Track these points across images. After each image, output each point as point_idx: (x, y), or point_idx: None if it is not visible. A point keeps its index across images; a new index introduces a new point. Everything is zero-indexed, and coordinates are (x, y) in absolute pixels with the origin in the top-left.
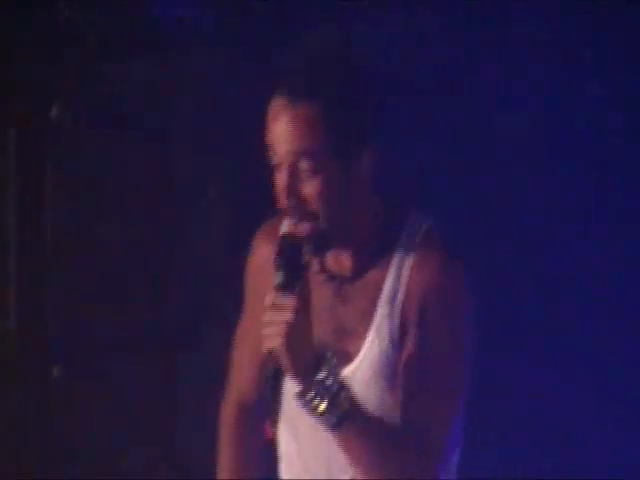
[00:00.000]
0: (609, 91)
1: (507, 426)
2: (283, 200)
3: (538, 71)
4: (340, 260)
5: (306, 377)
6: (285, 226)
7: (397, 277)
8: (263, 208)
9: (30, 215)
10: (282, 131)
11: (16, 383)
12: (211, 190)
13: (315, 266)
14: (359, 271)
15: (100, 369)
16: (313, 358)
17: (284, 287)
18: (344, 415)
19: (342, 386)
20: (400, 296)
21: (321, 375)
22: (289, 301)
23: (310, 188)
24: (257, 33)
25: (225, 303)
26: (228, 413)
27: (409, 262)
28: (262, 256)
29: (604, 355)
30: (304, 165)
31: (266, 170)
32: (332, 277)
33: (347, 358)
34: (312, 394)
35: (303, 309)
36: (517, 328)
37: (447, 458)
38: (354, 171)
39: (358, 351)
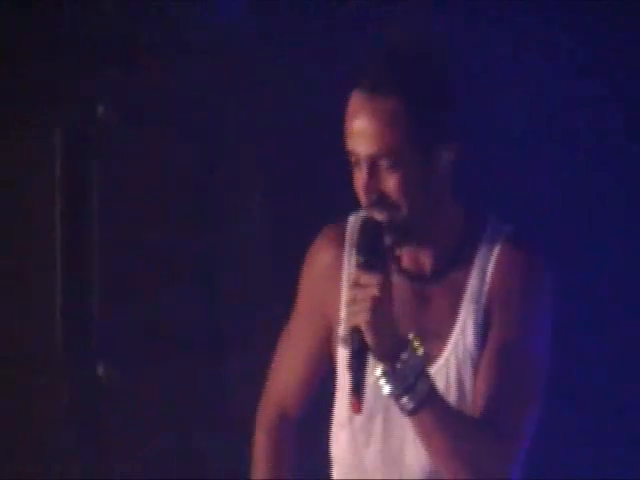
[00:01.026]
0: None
1: None
2: (364, 196)
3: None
4: (419, 261)
5: (390, 357)
6: (353, 223)
7: (481, 276)
8: (312, 209)
9: (77, 216)
10: (362, 129)
11: (62, 382)
12: (259, 189)
13: (394, 267)
14: (440, 272)
15: (146, 368)
16: (397, 338)
17: (367, 267)
18: (422, 401)
19: (423, 371)
20: (485, 294)
21: (404, 356)
22: (373, 279)
23: (390, 183)
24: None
25: (275, 303)
26: (267, 419)
27: (492, 261)
28: (323, 261)
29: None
30: (384, 162)
31: (314, 171)
32: (412, 278)
33: (429, 360)
34: (393, 376)
35: (387, 288)
36: None
37: (522, 450)
38: (434, 166)
39: (441, 352)
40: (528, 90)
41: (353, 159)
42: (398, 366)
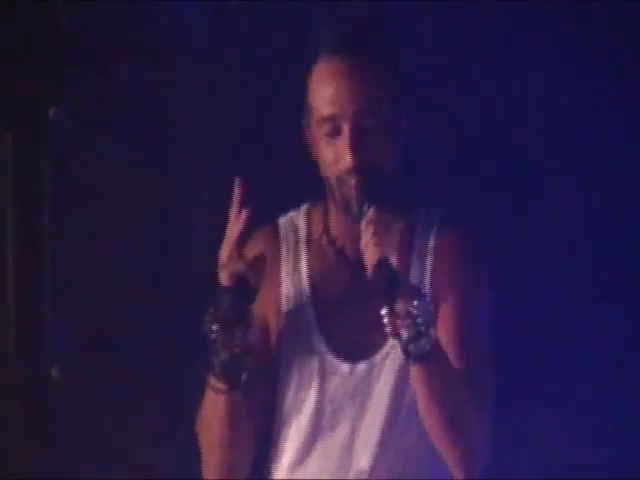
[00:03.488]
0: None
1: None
2: (351, 158)
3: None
4: (361, 250)
5: (413, 291)
6: (284, 224)
7: (421, 265)
8: (264, 213)
9: (28, 218)
10: (347, 89)
11: (14, 384)
12: (209, 193)
13: (338, 258)
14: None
15: (99, 370)
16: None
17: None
18: (434, 344)
19: (429, 326)
20: (427, 277)
21: (424, 292)
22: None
23: (375, 144)
24: (255, 34)
25: None
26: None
27: (430, 249)
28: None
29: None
30: (369, 121)
31: (266, 173)
32: (355, 267)
33: (378, 345)
34: (413, 317)
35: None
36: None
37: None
38: (400, 126)
39: (385, 341)
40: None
41: (326, 127)
42: (422, 303)
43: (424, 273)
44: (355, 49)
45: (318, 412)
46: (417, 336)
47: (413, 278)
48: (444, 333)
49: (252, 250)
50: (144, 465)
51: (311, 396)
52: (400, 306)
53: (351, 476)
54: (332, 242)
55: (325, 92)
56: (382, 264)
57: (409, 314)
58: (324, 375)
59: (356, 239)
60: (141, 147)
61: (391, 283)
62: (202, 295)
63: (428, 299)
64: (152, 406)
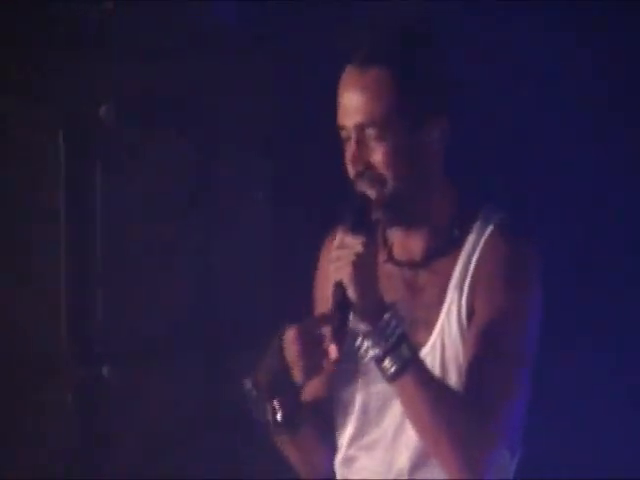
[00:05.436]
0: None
1: None
2: (351, 169)
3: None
4: (410, 248)
5: (371, 315)
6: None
7: (467, 263)
8: (310, 206)
9: (80, 219)
10: (350, 101)
11: (68, 383)
12: (257, 189)
13: (384, 255)
14: (429, 258)
15: (149, 369)
16: (379, 298)
17: (352, 229)
18: (404, 365)
19: (405, 334)
20: (468, 280)
21: (386, 316)
22: (357, 239)
23: (377, 154)
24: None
25: (276, 302)
26: None
27: (479, 248)
28: (329, 268)
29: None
30: (371, 132)
31: (315, 168)
32: (402, 265)
33: (417, 346)
34: (375, 336)
35: (370, 248)
36: None
37: (507, 432)
38: (422, 141)
39: (428, 338)
40: (534, 85)
41: (343, 134)
42: (380, 325)
43: (467, 273)
44: (370, 63)
45: (365, 408)
46: (390, 350)
47: (457, 275)
48: (468, 348)
49: (325, 254)
50: (188, 462)
51: (359, 390)
52: (369, 324)
53: (392, 476)
54: (385, 241)
55: (340, 100)
56: (337, 287)
57: (380, 329)
58: (368, 372)
59: (403, 239)
60: (190, 143)
61: (340, 307)
62: (249, 295)
63: (393, 319)
64: (202, 404)
